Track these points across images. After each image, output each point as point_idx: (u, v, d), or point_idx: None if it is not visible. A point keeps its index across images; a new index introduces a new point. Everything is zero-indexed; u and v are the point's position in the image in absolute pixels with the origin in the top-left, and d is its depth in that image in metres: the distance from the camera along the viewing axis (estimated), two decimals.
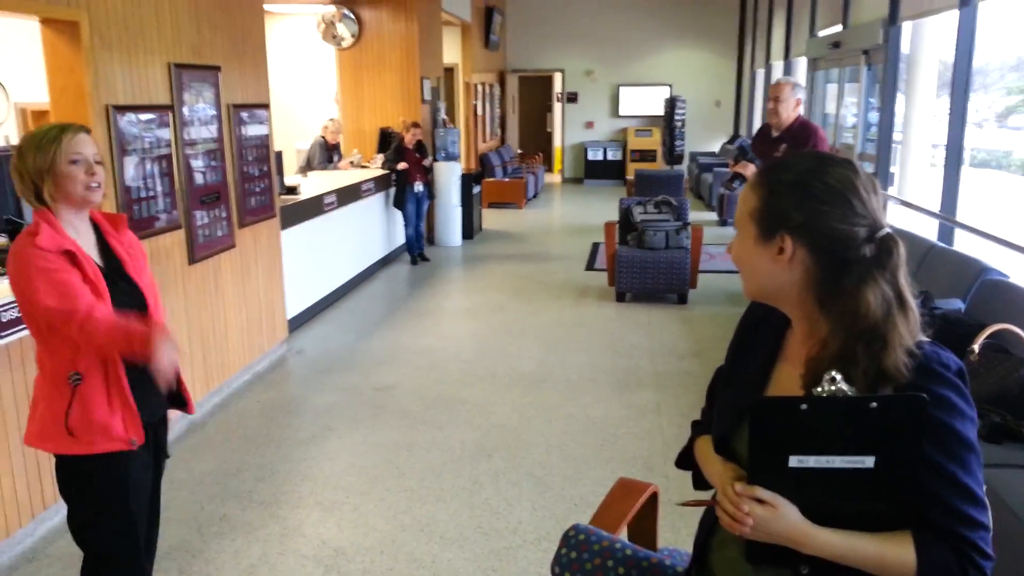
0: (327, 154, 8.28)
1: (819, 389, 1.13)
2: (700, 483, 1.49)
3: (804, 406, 1.11)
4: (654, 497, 2.07)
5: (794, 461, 1.12)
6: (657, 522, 2.09)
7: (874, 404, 1.10)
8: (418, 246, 8.39)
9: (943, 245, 4.84)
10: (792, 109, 4.69)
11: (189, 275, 4.28)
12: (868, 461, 1.11)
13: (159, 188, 4.00)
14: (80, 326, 1.98)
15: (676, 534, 3.13)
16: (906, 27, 6.43)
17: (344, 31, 8.98)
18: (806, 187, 1.19)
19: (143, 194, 3.87)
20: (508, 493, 3.53)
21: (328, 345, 5.73)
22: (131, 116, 3.76)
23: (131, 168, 3.77)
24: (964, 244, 5.09)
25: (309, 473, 3.75)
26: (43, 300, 1.99)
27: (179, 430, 4.16)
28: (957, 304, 3.78)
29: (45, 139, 2.05)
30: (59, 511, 3.26)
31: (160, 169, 4.01)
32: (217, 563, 3.02)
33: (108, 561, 2.23)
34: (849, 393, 1.12)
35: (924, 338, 1.18)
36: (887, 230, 1.19)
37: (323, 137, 8.27)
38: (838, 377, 1.13)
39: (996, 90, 9.82)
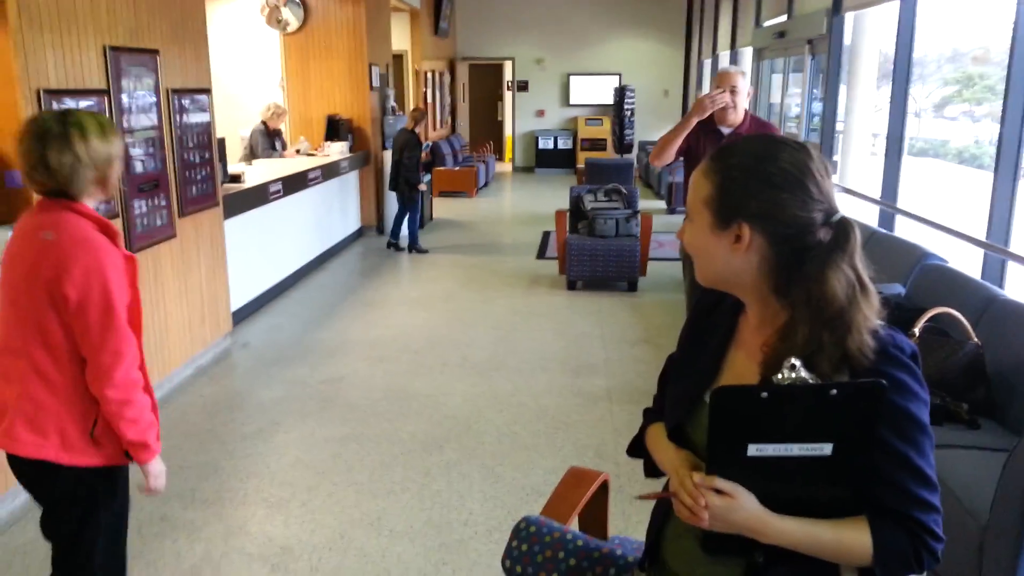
0: (269, 140, 8.01)
1: (779, 376, 1.12)
2: (652, 471, 1.48)
3: (764, 394, 1.10)
4: (605, 485, 2.06)
5: (752, 450, 1.11)
6: (608, 510, 2.08)
7: (834, 391, 1.09)
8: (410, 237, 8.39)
9: (884, 231, 4.95)
10: (745, 103, 4.10)
11: None
12: (826, 448, 1.10)
13: None
14: (122, 381, 1.92)
15: (627, 521, 3.14)
16: (848, 18, 6.55)
17: (289, 16, 8.77)
18: (763, 174, 1.17)
19: None
20: (459, 485, 3.50)
21: (274, 337, 5.61)
22: (66, 101, 3.60)
23: None
24: (904, 230, 5.22)
25: (254, 469, 3.67)
26: (117, 305, 1.90)
27: None
28: (898, 289, 3.86)
29: (102, 125, 1.96)
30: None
31: None
32: (158, 565, 2.93)
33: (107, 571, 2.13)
34: (809, 380, 1.11)
35: (879, 322, 1.18)
36: (841, 213, 1.19)
37: (263, 123, 7.98)
38: (798, 364, 1.12)
39: (933, 81, 10.10)
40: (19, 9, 3.31)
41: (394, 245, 8.48)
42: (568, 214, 7.00)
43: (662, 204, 11.39)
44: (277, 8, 8.71)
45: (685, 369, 1.39)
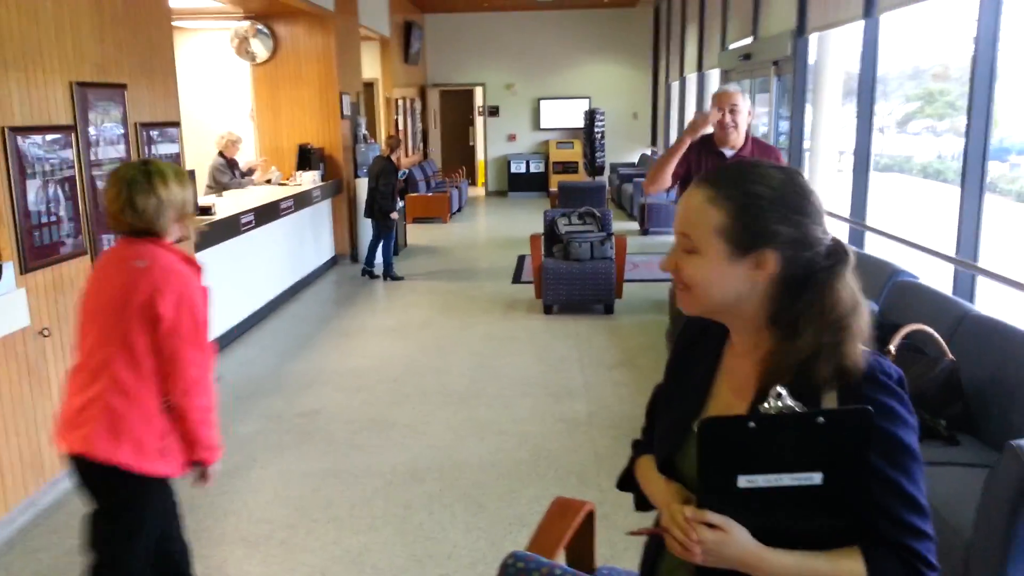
0: (230, 171, 7.91)
1: (766, 405, 1.12)
2: (642, 504, 1.46)
3: (752, 424, 1.09)
4: (591, 515, 2.04)
5: (743, 481, 1.10)
6: (595, 541, 2.06)
7: (821, 419, 1.08)
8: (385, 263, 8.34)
9: (855, 248, 5.01)
10: (745, 124, 3.89)
11: None
12: (816, 477, 1.09)
13: (63, 212, 3.79)
14: (206, 391, 2.27)
15: (613, 548, 3.10)
16: (812, 39, 6.67)
17: (259, 47, 8.76)
18: (784, 199, 1.17)
19: (44, 219, 3.64)
20: (442, 516, 3.45)
21: (249, 370, 5.53)
22: (33, 138, 3.55)
23: (32, 192, 3.55)
24: (874, 247, 5.29)
25: (231, 507, 3.59)
26: (202, 326, 2.24)
27: None
28: (871, 306, 3.90)
29: (179, 173, 2.29)
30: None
31: (64, 192, 3.79)
32: None
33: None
34: (796, 408, 1.11)
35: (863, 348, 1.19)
36: (831, 234, 1.22)
37: (220, 154, 7.79)
38: (783, 392, 1.12)
39: (896, 97, 10.31)
40: None
41: (369, 272, 8.43)
42: (543, 238, 7.01)
43: (635, 225, 11.47)
44: (246, 39, 8.70)
45: (672, 400, 1.38)
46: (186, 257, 2.29)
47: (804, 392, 1.13)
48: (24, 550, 3.24)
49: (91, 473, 2.23)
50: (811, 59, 6.83)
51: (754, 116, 3.76)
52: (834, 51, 6.77)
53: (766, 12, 7.75)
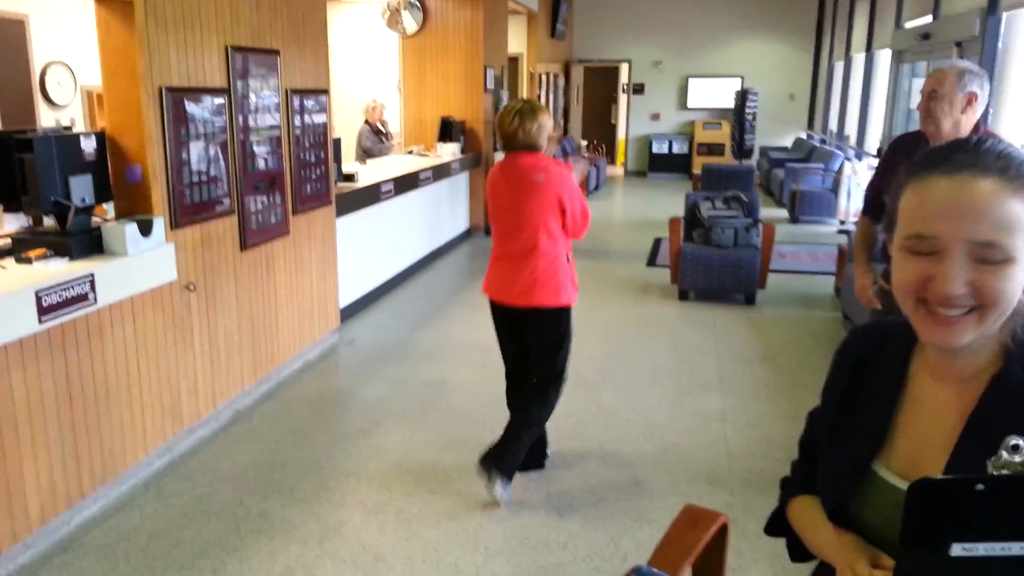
0: (377, 137, 8.15)
1: (994, 462, 0.88)
2: (800, 554, 1.23)
3: (981, 487, 0.86)
4: (724, 528, 1.84)
5: (958, 549, 0.87)
6: (726, 558, 1.86)
7: None
8: None
9: None
10: (962, 111, 2.86)
11: (241, 262, 4.19)
12: None
13: (214, 172, 3.91)
14: (586, 221, 3.35)
15: (741, 559, 2.87)
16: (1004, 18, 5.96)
17: (409, 19, 8.85)
18: None
19: (195, 179, 3.78)
20: (559, 503, 3.33)
21: (380, 336, 5.61)
22: (187, 100, 3.67)
23: (183, 152, 3.68)
24: None
25: (354, 470, 3.62)
26: (586, 206, 3.31)
27: (224, 419, 4.08)
28: None
29: (543, 107, 3.31)
30: (96, 501, 3.20)
31: (215, 153, 3.92)
32: (252, 563, 2.90)
33: (562, 378, 3.43)
34: None
35: None
36: None
37: (367, 122, 8.10)
38: (1021, 444, 0.88)
39: None
40: (145, 9, 3.38)
41: None
42: (683, 221, 6.70)
43: (784, 213, 10.85)
44: (398, 11, 8.81)
45: (841, 434, 1.14)
46: (558, 162, 3.29)
47: None
48: (158, 493, 3.39)
49: (545, 316, 3.30)
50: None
51: (979, 101, 2.85)
52: (1022, 34, 6.03)
53: None
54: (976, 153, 0.94)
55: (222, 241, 4.01)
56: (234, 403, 4.17)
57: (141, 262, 3.33)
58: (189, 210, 3.73)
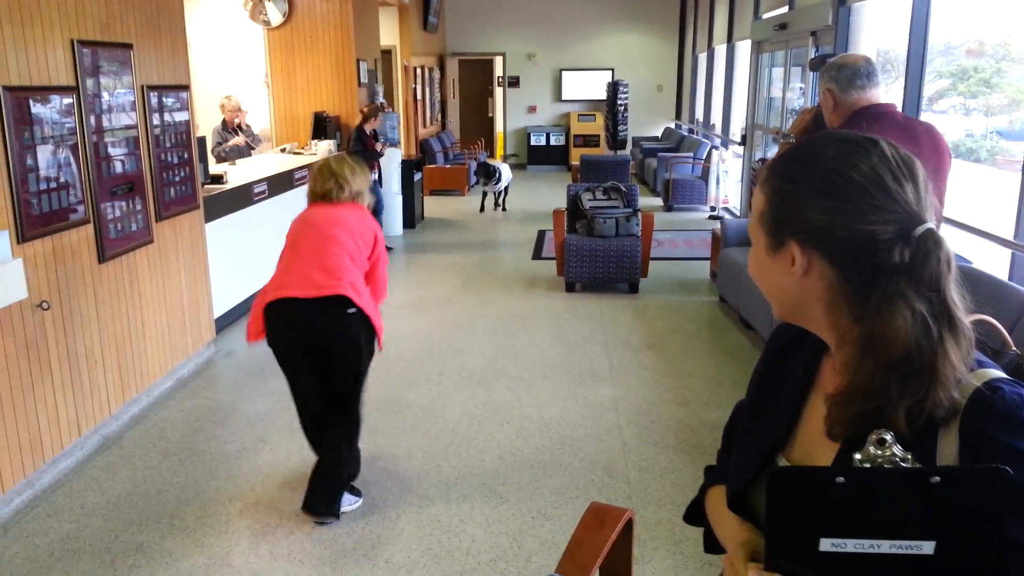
0: (224, 135, 7.58)
1: (863, 454, 0.86)
2: (713, 546, 1.20)
3: (841, 479, 0.84)
4: (629, 524, 1.82)
5: (827, 544, 0.84)
6: (632, 554, 1.84)
7: (936, 478, 0.82)
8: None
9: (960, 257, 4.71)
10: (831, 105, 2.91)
11: (100, 274, 3.86)
12: (926, 546, 0.83)
13: (65, 178, 3.58)
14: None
15: (642, 549, 2.89)
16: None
17: (273, 10, 8.49)
18: (808, 178, 0.93)
19: (44, 186, 3.44)
20: (459, 508, 3.25)
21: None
22: (31, 99, 3.33)
23: (29, 157, 3.33)
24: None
25: (238, 493, 3.41)
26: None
27: (91, 447, 3.76)
28: None
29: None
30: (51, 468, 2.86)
31: (66, 157, 3.58)
32: None
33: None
34: (901, 461, 0.85)
35: (999, 372, 0.90)
36: (926, 225, 0.91)
37: (223, 120, 7.48)
38: (888, 438, 0.85)
39: (927, 75, 9.92)
40: None
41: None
42: (566, 213, 6.76)
43: (659, 201, 11.17)
44: (260, 2, 8.43)
45: (754, 422, 1.13)
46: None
47: (915, 428, 0.87)
48: (20, 533, 3.07)
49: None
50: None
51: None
52: (867, 27, 6.43)
53: None
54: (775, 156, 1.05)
55: (77, 253, 3.68)
56: (101, 429, 3.85)
57: None
58: (38, 220, 3.39)
